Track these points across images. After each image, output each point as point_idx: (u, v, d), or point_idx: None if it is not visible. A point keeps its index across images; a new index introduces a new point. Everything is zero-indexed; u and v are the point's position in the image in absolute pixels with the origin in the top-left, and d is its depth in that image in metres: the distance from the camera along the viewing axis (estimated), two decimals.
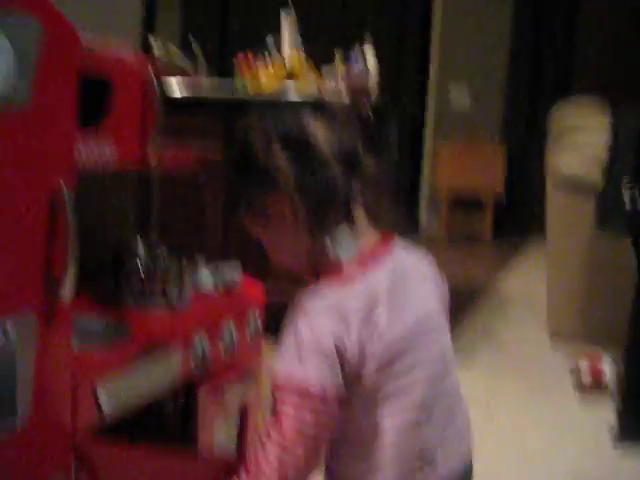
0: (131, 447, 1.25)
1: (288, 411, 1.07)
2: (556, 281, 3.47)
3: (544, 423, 2.59)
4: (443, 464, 1.15)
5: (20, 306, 1.07)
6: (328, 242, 1.15)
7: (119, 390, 1.31)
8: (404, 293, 1.15)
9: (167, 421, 1.55)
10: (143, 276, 1.58)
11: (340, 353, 1.08)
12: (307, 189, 1.12)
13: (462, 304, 3.77)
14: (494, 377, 2.98)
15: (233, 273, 1.82)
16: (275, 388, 1.10)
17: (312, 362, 1.07)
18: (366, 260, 1.15)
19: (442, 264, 1.30)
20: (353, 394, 1.10)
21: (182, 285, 1.65)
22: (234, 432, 1.65)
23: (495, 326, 3.67)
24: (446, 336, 1.22)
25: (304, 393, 1.07)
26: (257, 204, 1.17)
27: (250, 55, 3.58)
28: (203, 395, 1.53)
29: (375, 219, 1.19)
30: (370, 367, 1.09)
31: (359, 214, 1.17)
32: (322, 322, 1.09)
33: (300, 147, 1.14)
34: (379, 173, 1.19)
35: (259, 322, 1.76)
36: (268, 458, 1.07)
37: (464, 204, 6.41)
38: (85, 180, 1.17)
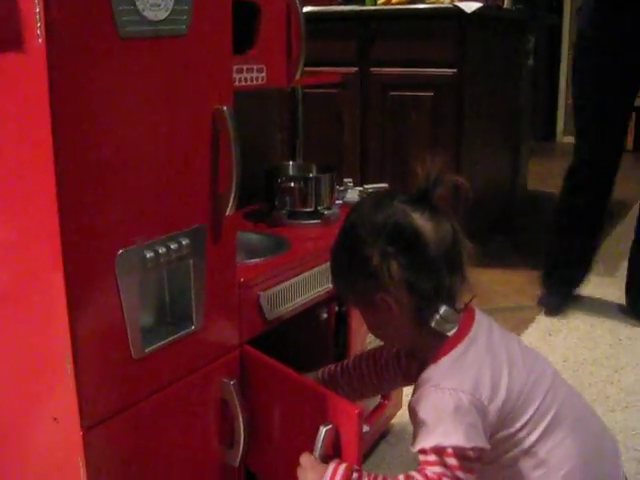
0: (270, 362, 1.31)
1: (443, 472, 1.11)
2: None
3: None
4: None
5: (191, 221, 1.15)
6: (435, 321, 1.18)
7: (280, 299, 1.40)
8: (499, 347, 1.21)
9: (322, 327, 1.63)
10: (297, 195, 1.65)
11: (481, 413, 1.13)
12: (416, 290, 1.15)
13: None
14: None
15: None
16: (426, 453, 1.13)
17: (458, 430, 1.12)
18: (465, 330, 1.20)
19: None
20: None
21: (332, 202, 1.72)
22: None
23: None
24: (545, 365, 1.28)
25: (459, 455, 1.11)
26: (363, 296, 1.20)
27: None
28: None
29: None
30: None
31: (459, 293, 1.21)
32: (464, 394, 1.13)
33: (410, 248, 1.15)
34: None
35: None
36: None
37: None
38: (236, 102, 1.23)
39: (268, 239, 1.55)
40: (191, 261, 1.16)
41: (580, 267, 2.93)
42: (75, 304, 0.99)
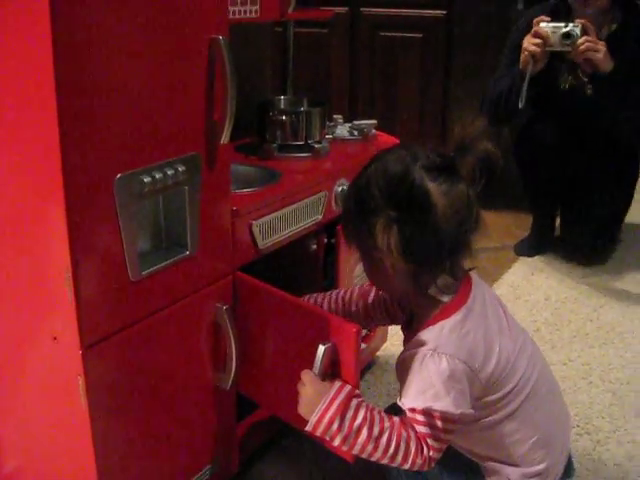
0: (264, 286, 1.36)
1: (428, 432, 1.17)
2: None
3: None
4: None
5: (187, 148, 1.18)
6: (433, 289, 1.20)
7: (272, 228, 1.43)
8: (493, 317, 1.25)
9: (312, 256, 1.67)
10: (288, 128, 1.68)
11: (470, 381, 1.18)
12: (414, 261, 1.15)
13: None
14: None
15: (369, 127, 1.89)
16: (415, 412, 1.18)
17: (456, 394, 1.16)
18: (463, 298, 1.22)
19: None
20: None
21: (322, 137, 1.74)
22: None
23: None
24: (525, 335, 1.33)
25: (446, 419, 1.17)
26: (365, 247, 1.21)
27: None
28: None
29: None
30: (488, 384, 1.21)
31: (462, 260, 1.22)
32: (460, 362, 1.17)
33: (417, 220, 1.13)
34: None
35: None
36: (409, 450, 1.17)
37: None
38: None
39: (260, 171, 1.58)
40: (186, 187, 1.19)
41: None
42: (75, 225, 1.01)
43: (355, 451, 1.18)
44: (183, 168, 1.16)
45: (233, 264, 1.35)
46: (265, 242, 1.42)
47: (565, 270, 2.78)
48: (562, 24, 2.41)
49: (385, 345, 2.05)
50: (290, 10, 1.61)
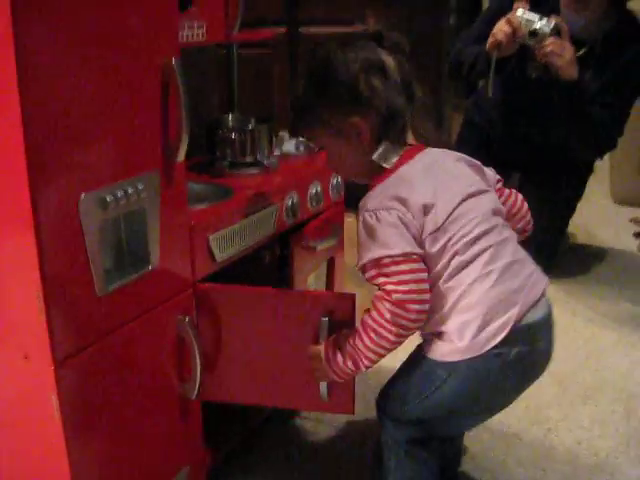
0: (240, 288, 1.44)
1: (384, 280, 1.27)
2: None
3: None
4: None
5: (146, 167, 1.24)
6: (377, 155, 1.35)
7: (228, 242, 1.49)
8: (438, 174, 1.34)
9: (266, 269, 1.74)
10: (237, 146, 1.74)
11: (404, 223, 1.27)
12: (386, 110, 1.31)
13: None
14: None
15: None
16: (366, 270, 1.30)
17: (388, 238, 1.27)
18: (401, 160, 1.35)
19: None
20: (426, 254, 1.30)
21: (271, 152, 1.81)
22: (323, 278, 1.85)
23: None
24: (490, 196, 1.38)
25: (393, 262, 1.26)
26: (333, 121, 1.34)
27: None
28: (296, 245, 1.71)
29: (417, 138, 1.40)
30: (428, 231, 1.29)
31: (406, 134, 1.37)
32: (384, 211, 1.28)
33: (380, 74, 1.31)
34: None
35: (341, 185, 1.90)
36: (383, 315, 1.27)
37: None
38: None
39: (213, 187, 1.64)
40: (146, 205, 1.24)
41: None
42: (43, 245, 1.06)
43: (371, 354, 1.29)
44: (142, 186, 1.22)
45: (193, 277, 1.40)
46: (222, 255, 1.47)
47: None
48: (536, 17, 2.32)
49: None
50: (235, 31, 1.67)
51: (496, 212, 1.36)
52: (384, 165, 1.35)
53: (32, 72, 1.00)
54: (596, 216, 3.47)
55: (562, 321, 2.38)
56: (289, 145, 1.97)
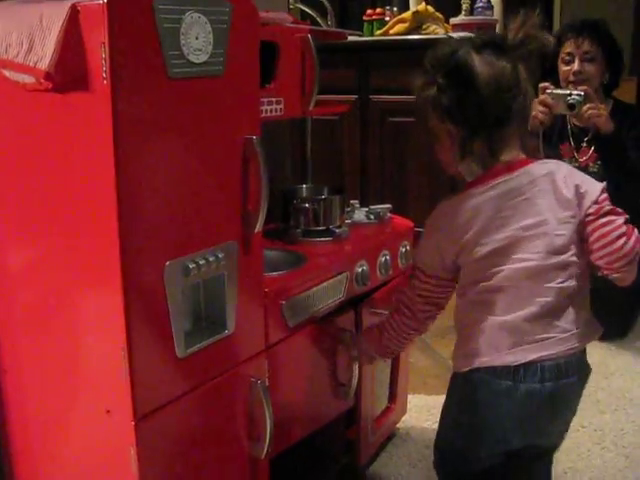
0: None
1: (412, 279, 1.49)
2: None
3: None
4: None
5: (225, 237, 1.31)
6: (464, 167, 1.42)
7: (300, 308, 1.55)
8: (503, 208, 1.35)
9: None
10: (311, 215, 1.82)
11: (441, 250, 1.40)
12: (458, 113, 1.36)
13: None
14: None
15: (384, 211, 2.03)
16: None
17: (426, 251, 1.45)
18: (480, 179, 1.38)
19: None
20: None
21: (342, 221, 1.88)
22: None
23: None
24: (560, 238, 1.33)
25: (418, 269, 1.46)
26: (430, 126, 1.44)
27: (379, 10, 3.81)
28: (365, 311, 1.78)
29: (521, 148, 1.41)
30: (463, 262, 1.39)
31: (501, 143, 1.38)
32: (434, 229, 1.43)
33: (463, 85, 1.35)
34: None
35: (409, 252, 1.96)
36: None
37: None
38: None
39: (287, 255, 1.71)
40: (225, 272, 1.32)
41: None
42: (131, 307, 1.14)
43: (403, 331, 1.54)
44: (222, 255, 1.29)
45: (266, 341, 1.47)
46: (294, 320, 1.54)
47: None
48: (566, 92, 2.69)
49: (405, 417, 2.14)
50: (311, 106, 1.76)
51: (553, 252, 1.33)
52: (466, 178, 1.42)
53: (128, 145, 1.10)
54: None
55: (630, 392, 2.39)
56: (360, 214, 2.04)
